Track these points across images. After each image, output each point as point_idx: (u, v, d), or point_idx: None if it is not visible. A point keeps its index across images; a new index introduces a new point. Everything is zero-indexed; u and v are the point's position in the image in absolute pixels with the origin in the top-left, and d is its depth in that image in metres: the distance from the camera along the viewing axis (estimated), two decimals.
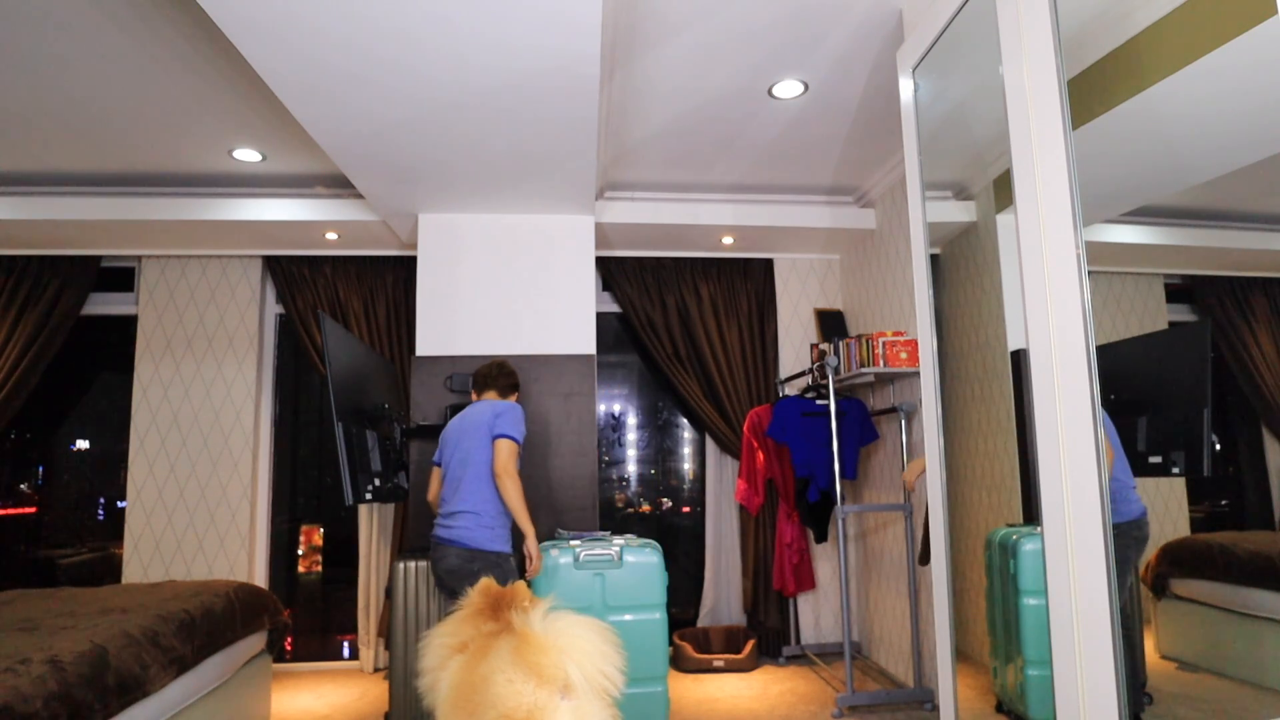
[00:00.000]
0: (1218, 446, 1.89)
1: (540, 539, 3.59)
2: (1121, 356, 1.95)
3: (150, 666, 2.38)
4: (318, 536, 4.87)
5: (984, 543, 2.44)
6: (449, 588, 2.95)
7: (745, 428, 4.50)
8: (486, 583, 2.08)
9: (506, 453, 2.90)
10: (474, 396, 3.24)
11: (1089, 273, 1.50)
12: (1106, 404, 1.46)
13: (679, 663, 4.26)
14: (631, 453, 5.03)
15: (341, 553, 4.74)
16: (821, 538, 4.46)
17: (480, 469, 2.93)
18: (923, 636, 3.72)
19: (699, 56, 2.92)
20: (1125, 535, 1.85)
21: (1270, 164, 1.58)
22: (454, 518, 2.94)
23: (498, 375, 3.20)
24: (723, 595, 4.75)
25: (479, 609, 2.00)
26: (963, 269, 3.01)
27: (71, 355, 4.66)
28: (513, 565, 2.94)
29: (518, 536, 3.02)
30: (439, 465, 3.14)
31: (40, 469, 4.87)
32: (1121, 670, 1.40)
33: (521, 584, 2.11)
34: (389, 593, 3.35)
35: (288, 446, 4.78)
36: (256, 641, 3.26)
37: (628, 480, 5.02)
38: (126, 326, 4.63)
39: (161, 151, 3.67)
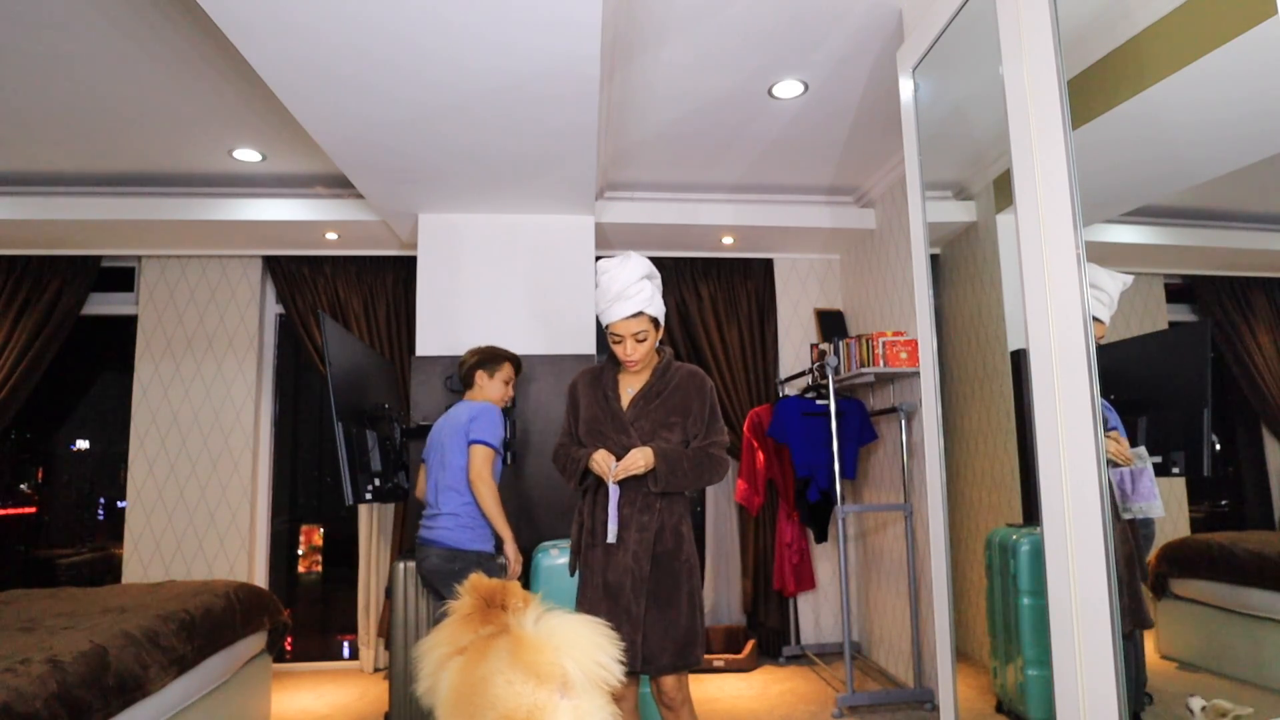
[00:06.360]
0: (1218, 446, 1.89)
1: (541, 540, 3.59)
2: (1121, 356, 1.95)
3: (150, 666, 2.38)
4: (318, 536, 4.87)
5: (984, 543, 2.44)
6: (432, 587, 2.97)
7: (745, 428, 4.50)
8: (476, 578, 2.06)
9: (480, 459, 2.90)
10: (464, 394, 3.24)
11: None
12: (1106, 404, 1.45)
13: None
14: None
15: (341, 553, 4.74)
16: (821, 538, 4.46)
17: (457, 473, 2.95)
18: (923, 636, 3.72)
19: (699, 57, 2.91)
20: (1135, 534, 1.85)
21: (1270, 164, 1.58)
22: (435, 519, 2.96)
23: (470, 370, 3.16)
24: (723, 595, 4.75)
25: (470, 611, 1.99)
26: (963, 269, 3.01)
27: (71, 355, 4.65)
28: (496, 565, 2.95)
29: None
30: (425, 462, 3.16)
31: (40, 469, 4.87)
32: (1121, 670, 1.40)
33: (515, 582, 2.10)
34: (389, 593, 3.35)
35: (288, 446, 4.78)
36: (256, 641, 3.26)
37: None
38: (126, 326, 4.63)
39: (161, 151, 3.66)
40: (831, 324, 4.79)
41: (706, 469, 2.27)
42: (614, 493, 2.19)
